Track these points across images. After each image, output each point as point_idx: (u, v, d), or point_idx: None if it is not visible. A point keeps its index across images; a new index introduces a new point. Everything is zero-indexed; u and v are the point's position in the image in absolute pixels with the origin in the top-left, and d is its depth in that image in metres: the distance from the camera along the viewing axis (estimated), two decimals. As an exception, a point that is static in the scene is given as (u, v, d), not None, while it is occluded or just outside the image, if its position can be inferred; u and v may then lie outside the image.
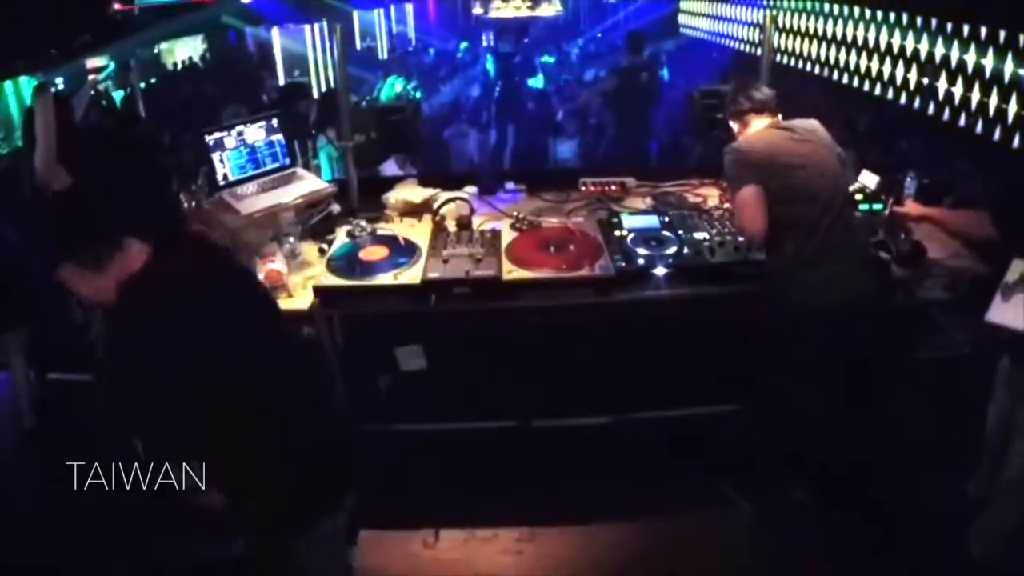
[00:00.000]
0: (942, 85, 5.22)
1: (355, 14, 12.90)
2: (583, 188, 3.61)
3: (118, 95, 7.51)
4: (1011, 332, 2.35)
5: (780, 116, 2.85)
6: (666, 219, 3.23)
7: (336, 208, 3.38)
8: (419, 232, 3.25)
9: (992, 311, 2.41)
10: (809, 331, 2.67)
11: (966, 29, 4.93)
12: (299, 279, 2.93)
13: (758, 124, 2.83)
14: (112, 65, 5.39)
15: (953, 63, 5.09)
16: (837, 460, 2.91)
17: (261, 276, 2.85)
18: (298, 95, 6.01)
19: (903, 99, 5.69)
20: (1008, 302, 2.38)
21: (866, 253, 2.77)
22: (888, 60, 5.89)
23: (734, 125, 2.91)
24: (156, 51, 10.12)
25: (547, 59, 11.52)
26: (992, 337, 2.52)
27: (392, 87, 8.63)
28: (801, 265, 2.65)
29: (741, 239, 2.98)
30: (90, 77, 4.26)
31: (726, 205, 3.32)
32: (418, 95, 8.16)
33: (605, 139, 7.18)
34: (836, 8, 6.80)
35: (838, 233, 2.66)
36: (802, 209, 2.65)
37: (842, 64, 6.75)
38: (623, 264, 2.88)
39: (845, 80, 6.67)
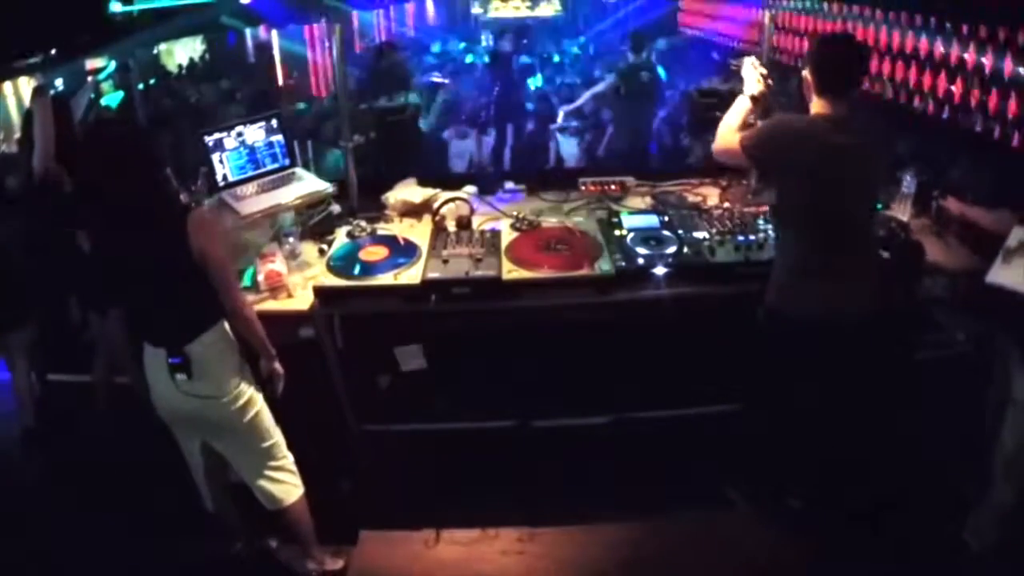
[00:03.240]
0: (940, 84, 5.22)
1: (355, 15, 12.90)
2: (583, 188, 3.61)
3: (116, 96, 7.52)
4: (1010, 294, 2.42)
5: (849, 103, 2.50)
6: (666, 218, 3.23)
7: (336, 208, 3.38)
8: (419, 232, 3.25)
9: (992, 273, 2.48)
10: (805, 336, 2.65)
11: (965, 28, 4.93)
12: (299, 279, 2.93)
13: (819, 106, 2.53)
14: (112, 65, 5.39)
15: (952, 61, 5.09)
16: (834, 464, 2.91)
17: (261, 276, 2.87)
18: (389, 50, 6.25)
19: (902, 97, 5.69)
20: (1008, 265, 2.46)
21: (873, 273, 2.66)
22: (887, 59, 5.89)
23: (806, 74, 2.57)
24: (155, 52, 10.12)
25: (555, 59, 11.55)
26: (987, 309, 2.59)
27: None
28: (805, 274, 2.60)
29: (742, 238, 2.98)
30: (89, 79, 4.25)
31: (726, 204, 3.32)
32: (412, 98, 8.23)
33: (605, 139, 7.19)
34: (835, 7, 6.80)
35: (852, 248, 2.58)
36: (818, 222, 2.54)
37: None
38: (623, 264, 2.88)
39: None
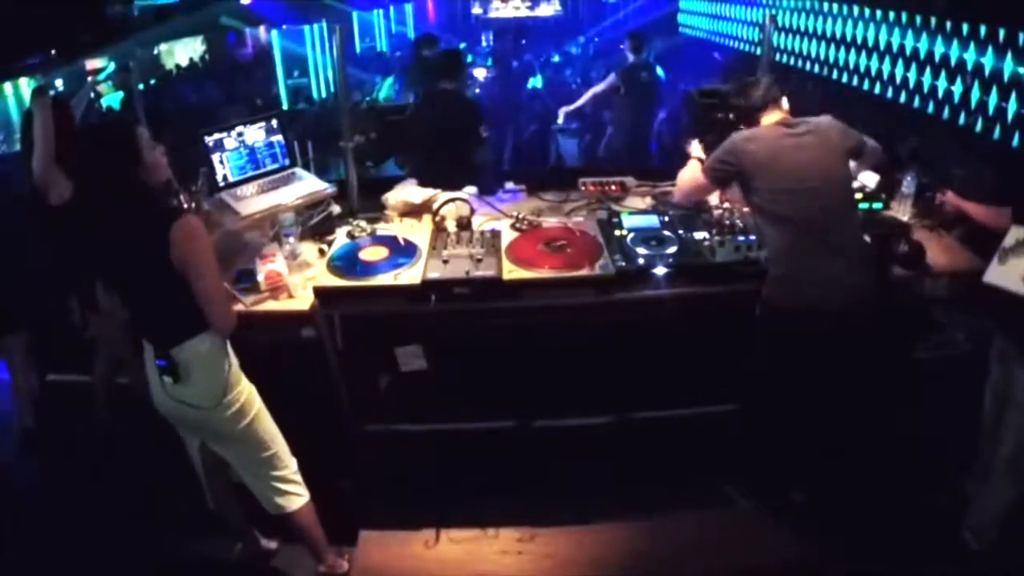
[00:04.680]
0: (941, 84, 5.22)
1: (355, 15, 12.91)
2: (583, 188, 3.61)
3: (117, 96, 7.53)
4: (1006, 294, 2.42)
5: (786, 109, 2.83)
6: (666, 219, 3.23)
7: (336, 208, 3.38)
8: (419, 232, 3.25)
9: (989, 273, 2.49)
10: (804, 330, 2.67)
11: (965, 27, 4.94)
12: (299, 279, 2.93)
13: (767, 120, 2.81)
14: (111, 66, 5.39)
15: (952, 61, 5.10)
16: (834, 460, 2.92)
17: (261, 276, 2.86)
18: (427, 44, 6.31)
19: (903, 98, 5.70)
20: (1004, 265, 2.46)
21: (865, 254, 2.75)
22: (888, 59, 5.90)
23: (743, 127, 2.87)
24: (156, 52, 10.13)
25: (555, 59, 11.55)
26: (986, 309, 2.59)
27: (391, 87, 8.64)
28: (797, 263, 2.65)
29: (742, 238, 2.98)
30: (89, 79, 4.25)
31: (725, 204, 3.32)
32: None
33: (605, 139, 7.18)
34: (836, 7, 6.80)
35: (837, 234, 2.65)
36: (797, 208, 2.64)
37: (841, 63, 6.76)
38: (623, 264, 2.88)
39: (845, 79, 6.68)
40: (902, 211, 3.22)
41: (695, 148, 3.26)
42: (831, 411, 2.75)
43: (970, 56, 4.85)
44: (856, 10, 6.36)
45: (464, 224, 3.20)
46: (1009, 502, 2.63)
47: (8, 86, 7.30)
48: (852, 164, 2.87)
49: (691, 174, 3.06)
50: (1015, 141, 4.49)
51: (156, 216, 2.30)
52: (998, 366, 2.69)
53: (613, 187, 3.61)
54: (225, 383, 2.40)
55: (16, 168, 3.73)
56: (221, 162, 3.31)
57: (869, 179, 3.28)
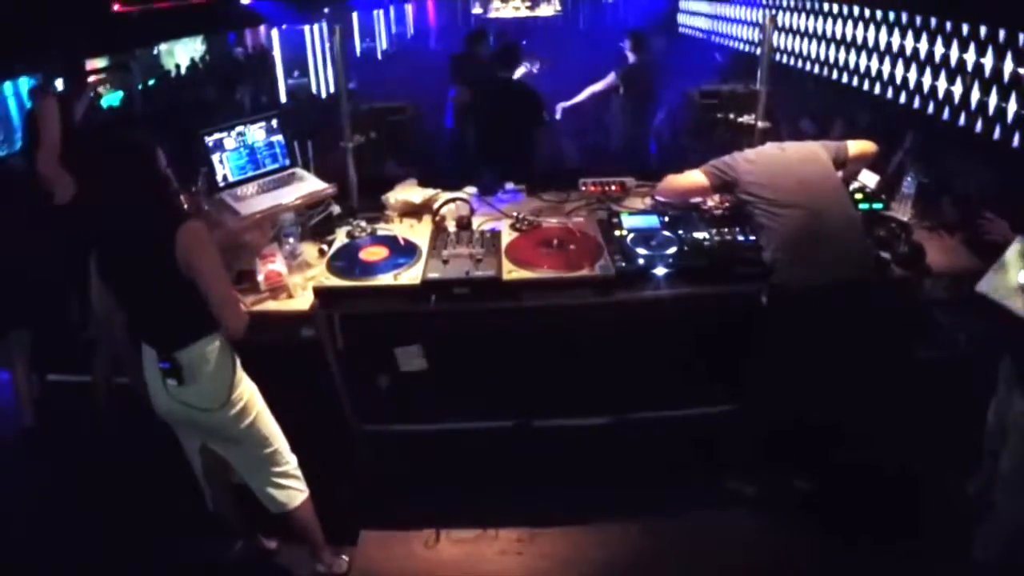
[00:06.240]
0: (941, 84, 5.22)
1: (354, 15, 12.92)
2: (583, 188, 3.61)
3: (117, 96, 7.53)
4: (1000, 310, 2.40)
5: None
6: (666, 219, 3.23)
7: (336, 208, 3.38)
8: (419, 232, 3.25)
9: (983, 283, 2.47)
10: (814, 309, 2.70)
11: (965, 28, 4.94)
12: (299, 279, 2.93)
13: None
14: (110, 66, 5.40)
15: (952, 62, 5.10)
16: (837, 453, 2.92)
17: (261, 276, 2.86)
18: (479, 39, 6.51)
19: (903, 98, 5.70)
20: (1000, 278, 2.44)
21: (861, 226, 2.86)
22: (888, 59, 5.90)
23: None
24: (156, 52, 10.13)
25: None
26: (985, 317, 2.58)
27: None
28: (805, 244, 2.72)
29: (742, 238, 2.99)
30: (90, 79, 4.26)
31: (726, 205, 3.33)
32: None
33: (604, 137, 7.18)
34: (836, 7, 6.81)
35: (835, 213, 2.77)
36: (798, 194, 2.78)
37: (842, 63, 6.77)
38: (623, 264, 2.88)
39: (845, 79, 6.68)
40: (902, 211, 3.21)
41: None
42: (835, 398, 2.75)
43: (970, 56, 4.85)
44: (856, 10, 6.37)
45: (464, 224, 3.20)
46: (1010, 518, 2.61)
47: (8, 85, 7.30)
48: (840, 173, 2.98)
49: (689, 176, 3.11)
50: (1015, 141, 4.49)
51: (160, 221, 2.30)
52: (1002, 384, 2.69)
53: (613, 187, 3.61)
54: (230, 384, 2.41)
55: (16, 167, 3.74)
56: (221, 162, 3.31)
57: (869, 179, 3.28)
